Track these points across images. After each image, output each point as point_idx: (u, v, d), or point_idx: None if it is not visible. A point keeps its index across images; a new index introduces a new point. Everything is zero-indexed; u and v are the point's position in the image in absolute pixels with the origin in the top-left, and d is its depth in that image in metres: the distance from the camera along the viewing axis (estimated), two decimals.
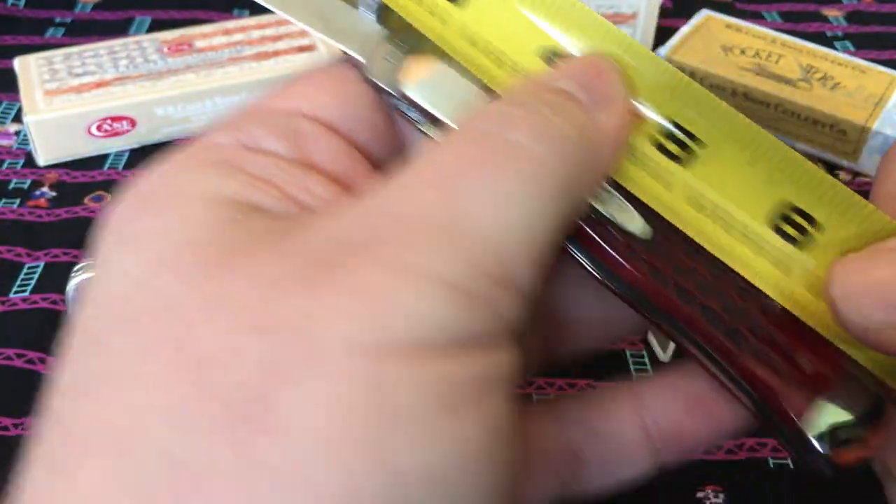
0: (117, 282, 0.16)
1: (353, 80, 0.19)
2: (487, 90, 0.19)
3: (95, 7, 0.58)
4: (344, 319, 0.14)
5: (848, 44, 0.56)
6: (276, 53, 0.48)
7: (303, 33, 0.50)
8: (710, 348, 0.19)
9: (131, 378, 0.15)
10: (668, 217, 0.19)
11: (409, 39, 0.19)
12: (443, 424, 0.14)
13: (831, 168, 0.46)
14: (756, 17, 0.58)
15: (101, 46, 0.48)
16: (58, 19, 0.57)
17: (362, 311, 0.14)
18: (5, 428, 0.32)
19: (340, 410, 0.14)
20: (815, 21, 0.58)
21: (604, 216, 0.19)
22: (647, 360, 0.35)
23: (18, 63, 0.47)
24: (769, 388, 0.19)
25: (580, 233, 0.19)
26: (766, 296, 0.19)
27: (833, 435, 0.18)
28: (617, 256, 0.19)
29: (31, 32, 0.56)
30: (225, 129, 0.18)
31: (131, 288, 0.16)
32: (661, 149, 0.18)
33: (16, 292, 0.38)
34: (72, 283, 0.31)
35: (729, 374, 0.19)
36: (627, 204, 0.19)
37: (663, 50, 0.48)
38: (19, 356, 0.35)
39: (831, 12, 0.59)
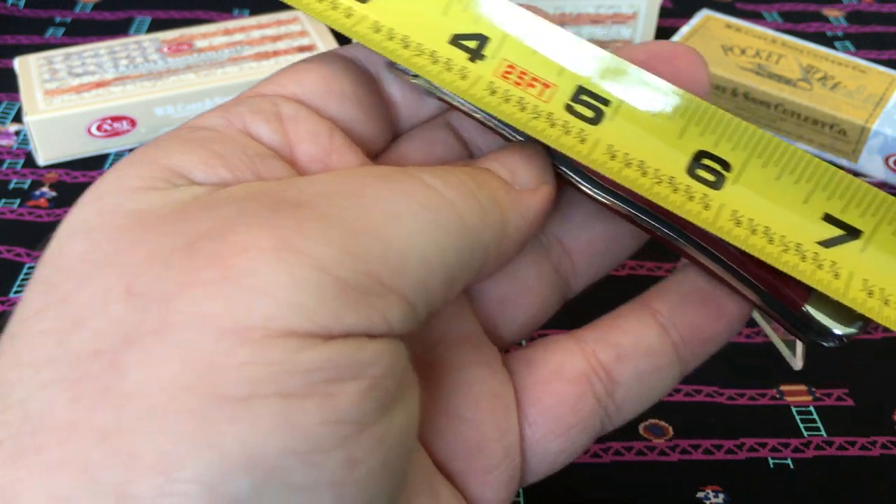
0: (56, 241, 0.17)
1: (340, 65, 0.21)
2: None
3: (95, 7, 0.58)
4: (208, 295, 0.15)
5: (848, 44, 0.56)
6: (276, 53, 0.48)
7: (303, 33, 0.50)
8: (712, 248, 0.20)
9: (25, 335, 0.16)
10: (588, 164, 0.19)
11: None
12: (274, 410, 0.14)
13: None
14: (756, 17, 0.58)
15: (101, 46, 0.49)
16: (58, 19, 0.57)
17: (228, 289, 0.15)
18: None
19: (175, 383, 0.14)
20: (816, 21, 0.58)
21: None
22: None
23: (18, 63, 0.47)
24: (772, 281, 0.20)
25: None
26: None
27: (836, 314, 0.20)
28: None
29: (31, 32, 0.56)
30: (217, 113, 0.19)
31: (57, 248, 0.17)
32: (572, 111, 0.19)
33: (16, 292, 0.38)
34: None
35: (732, 271, 0.20)
36: None
37: None
38: None
39: (831, 12, 0.59)
